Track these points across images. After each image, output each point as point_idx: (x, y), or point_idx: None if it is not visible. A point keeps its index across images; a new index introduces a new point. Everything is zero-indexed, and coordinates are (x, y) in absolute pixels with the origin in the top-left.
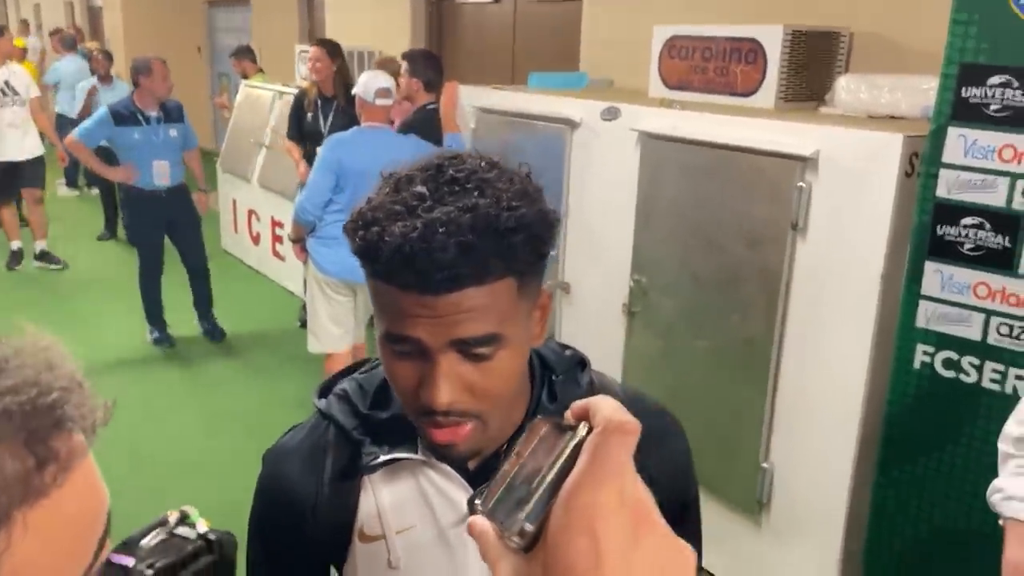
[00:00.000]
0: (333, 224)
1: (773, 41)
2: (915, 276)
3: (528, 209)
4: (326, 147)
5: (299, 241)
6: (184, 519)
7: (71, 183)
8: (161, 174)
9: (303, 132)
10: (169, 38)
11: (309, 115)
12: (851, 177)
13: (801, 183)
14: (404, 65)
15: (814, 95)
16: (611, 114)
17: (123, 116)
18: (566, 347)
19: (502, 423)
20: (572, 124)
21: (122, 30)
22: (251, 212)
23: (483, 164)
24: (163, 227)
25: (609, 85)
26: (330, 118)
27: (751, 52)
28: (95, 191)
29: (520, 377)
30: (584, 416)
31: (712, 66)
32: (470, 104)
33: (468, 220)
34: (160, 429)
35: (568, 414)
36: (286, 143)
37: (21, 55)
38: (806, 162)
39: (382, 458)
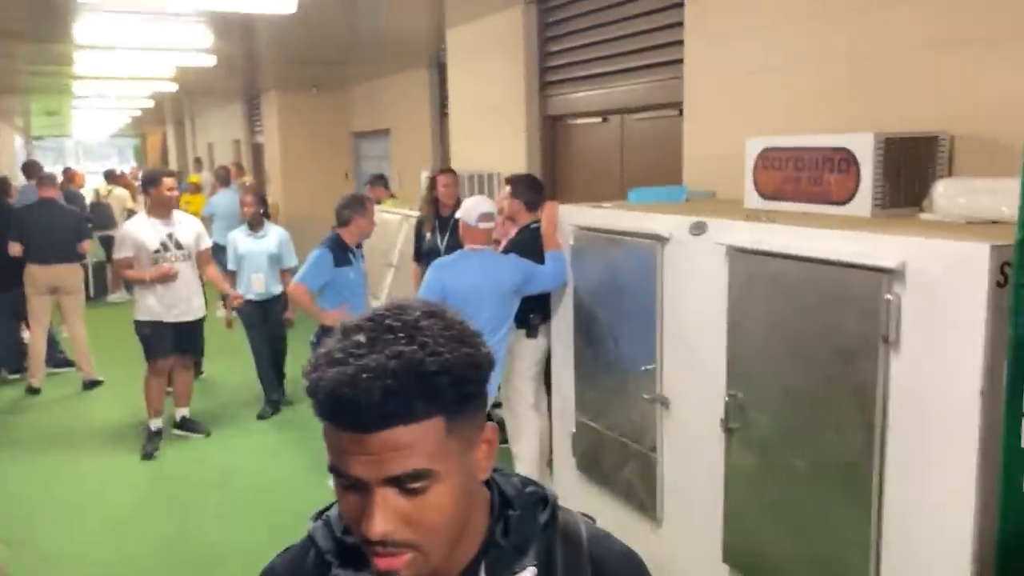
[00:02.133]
0: None
1: (865, 149)
2: (1015, 393)
3: (453, 354)
4: (431, 270)
5: None
6: None
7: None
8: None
9: (422, 252)
10: (321, 166)
11: (427, 235)
12: (940, 289)
13: (889, 295)
14: (507, 188)
15: (913, 201)
16: (698, 229)
17: (340, 257)
18: (530, 483)
19: (445, 553)
20: (662, 239)
21: (279, 161)
22: None
23: (420, 313)
24: None
25: (711, 197)
26: (446, 237)
27: (843, 161)
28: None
29: (460, 510)
30: None
31: (805, 176)
32: (570, 222)
33: (393, 365)
34: None
35: None
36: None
37: (195, 190)
38: (892, 274)
39: None
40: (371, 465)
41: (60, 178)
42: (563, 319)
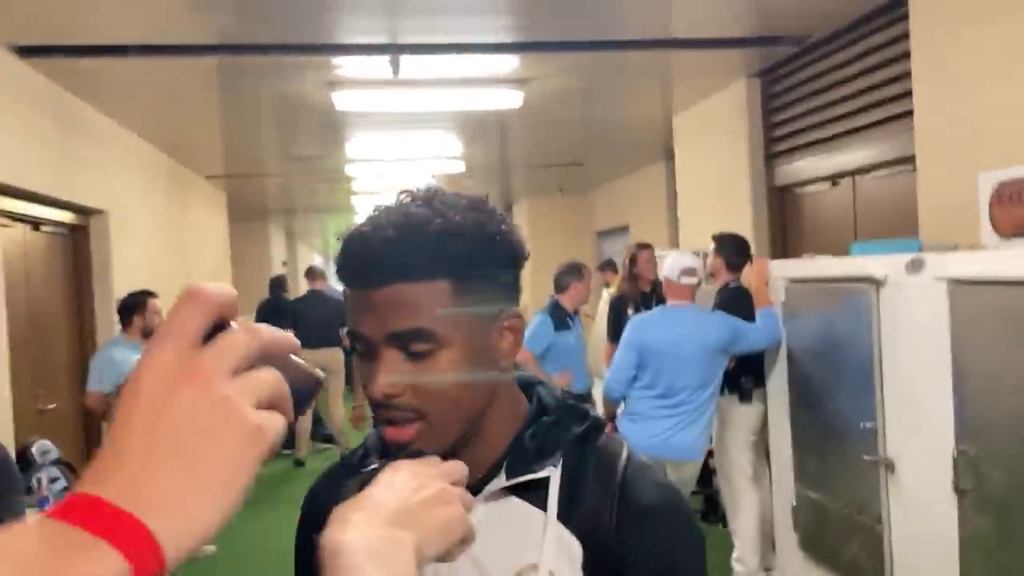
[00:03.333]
0: (639, 400)
1: None
2: None
3: (464, 219)
4: (629, 327)
5: (611, 419)
6: None
7: None
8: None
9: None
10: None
11: (630, 311)
12: None
13: None
14: (712, 245)
15: None
16: (916, 267)
17: (559, 322)
18: (574, 400)
19: (457, 434)
20: (877, 283)
21: (529, 263)
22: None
23: (444, 190)
24: None
25: (951, 249)
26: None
27: None
28: None
29: (471, 388)
30: None
31: None
32: (780, 275)
33: (400, 222)
34: None
35: None
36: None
37: None
38: None
39: (372, 467)
40: (375, 322)
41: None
42: (778, 380)
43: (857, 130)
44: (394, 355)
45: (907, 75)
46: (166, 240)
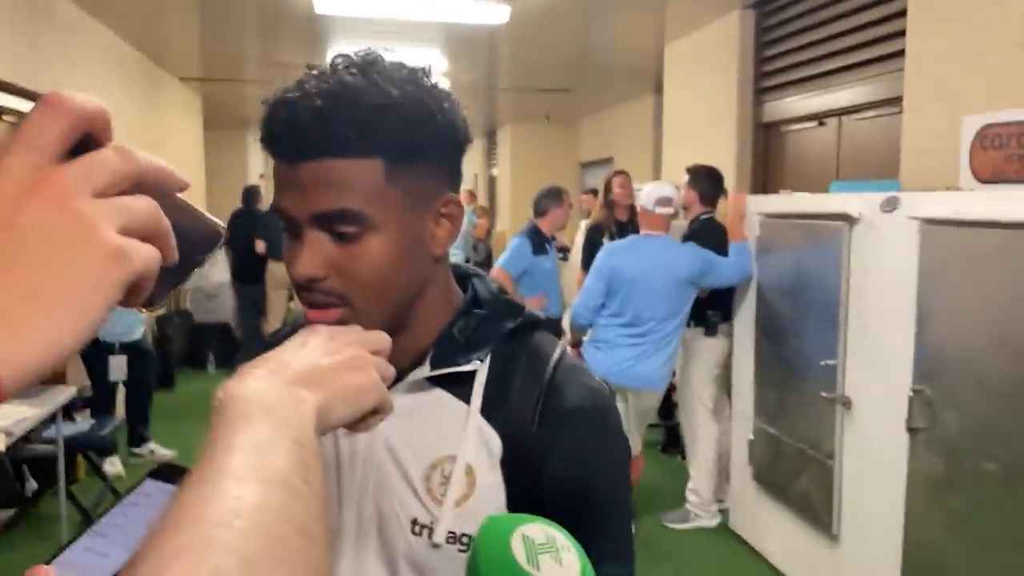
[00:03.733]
0: (605, 328)
1: None
2: None
3: (403, 93)
4: (602, 254)
5: (576, 345)
6: None
7: None
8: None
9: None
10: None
11: (604, 241)
12: None
13: None
14: (686, 177)
15: None
16: (890, 205)
17: (537, 246)
18: (516, 301)
19: (381, 320)
20: (851, 220)
21: (510, 190)
22: None
23: (386, 59)
24: None
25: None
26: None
27: None
28: None
29: (400, 274)
30: None
31: None
32: (756, 211)
33: (332, 92)
34: None
35: None
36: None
37: None
38: None
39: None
40: (301, 199)
41: None
42: (745, 316)
43: (848, 68)
44: (319, 236)
45: (903, 13)
46: (137, 142)
